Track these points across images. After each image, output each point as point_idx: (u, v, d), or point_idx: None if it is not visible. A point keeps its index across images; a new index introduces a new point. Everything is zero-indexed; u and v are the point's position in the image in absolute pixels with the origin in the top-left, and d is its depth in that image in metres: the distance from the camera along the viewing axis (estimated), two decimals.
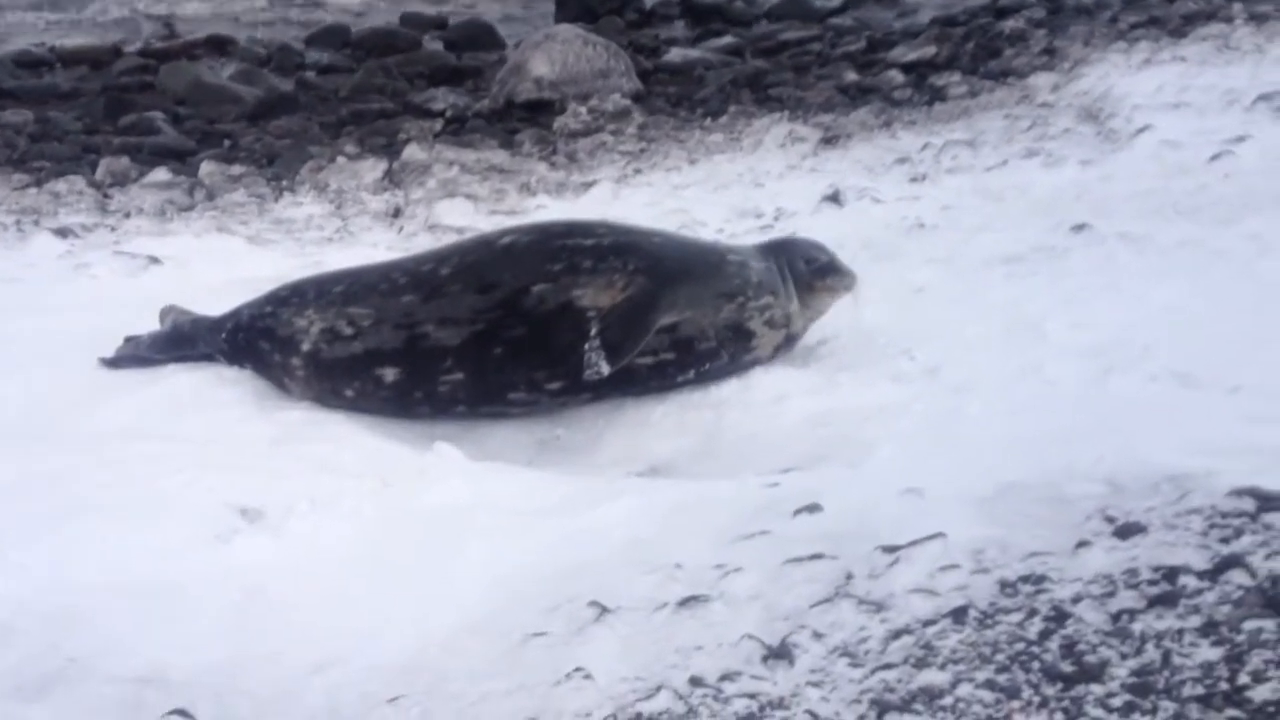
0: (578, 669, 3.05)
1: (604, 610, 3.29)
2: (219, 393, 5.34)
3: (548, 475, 4.63)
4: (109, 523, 4.06)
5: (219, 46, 17.35)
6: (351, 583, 3.71)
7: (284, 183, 9.44)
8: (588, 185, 9.05)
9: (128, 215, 8.56)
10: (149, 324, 5.98)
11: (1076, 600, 3.07)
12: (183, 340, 5.69)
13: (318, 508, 4.16)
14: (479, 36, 17.07)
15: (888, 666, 2.91)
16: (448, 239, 7.87)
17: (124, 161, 9.89)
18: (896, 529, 3.51)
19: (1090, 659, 2.83)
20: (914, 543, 3.35)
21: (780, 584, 3.34)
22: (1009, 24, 13.50)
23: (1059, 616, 3.00)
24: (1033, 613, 3.03)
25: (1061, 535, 3.39)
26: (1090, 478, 3.74)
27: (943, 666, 2.88)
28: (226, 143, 11.48)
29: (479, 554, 3.86)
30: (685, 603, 3.29)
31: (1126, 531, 3.32)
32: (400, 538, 4.00)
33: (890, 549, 3.37)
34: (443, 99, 12.70)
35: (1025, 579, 3.18)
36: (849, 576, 3.30)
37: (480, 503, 4.26)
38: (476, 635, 3.34)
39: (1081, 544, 3.31)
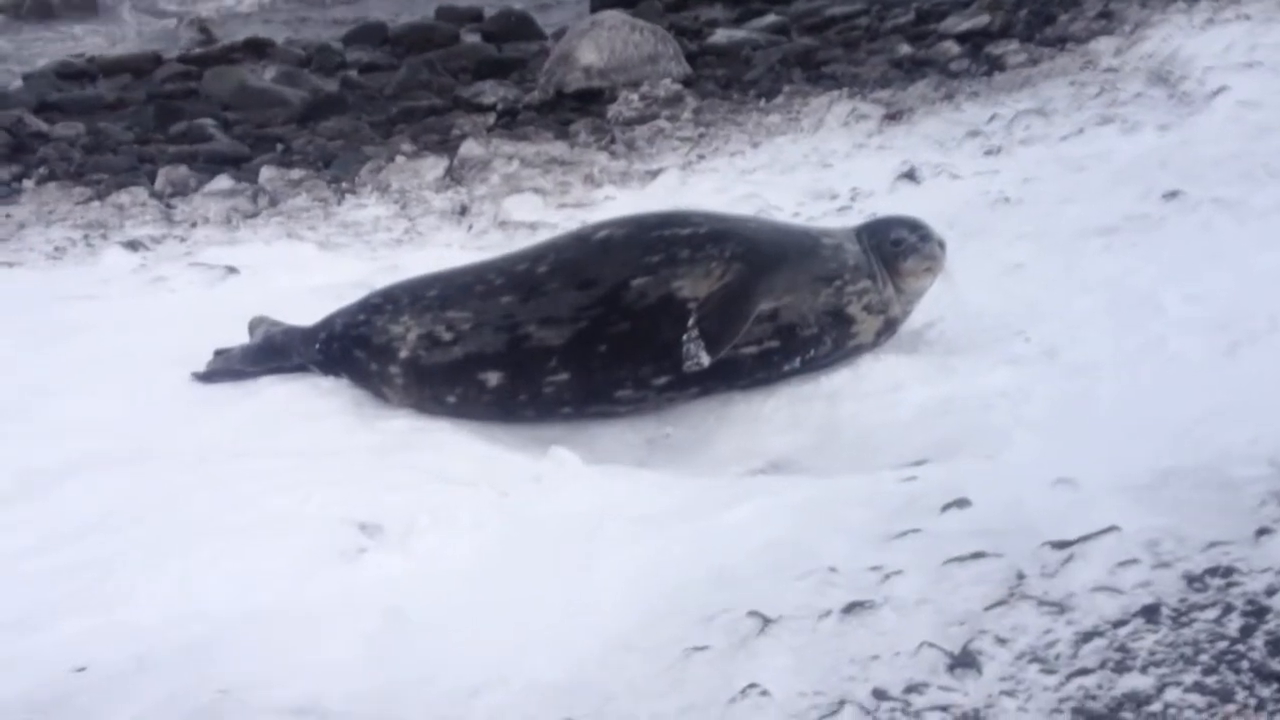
0: (751, 685, 2.92)
1: (766, 620, 3.16)
2: (317, 404, 5.23)
3: (666, 477, 4.51)
4: (230, 546, 3.96)
5: (258, 49, 17.27)
6: (488, 599, 3.59)
7: (345, 185, 9.33)
8: (653, 174, 8.90)
9: (194, 225, 8.47)
10: (235, 336, 5.89)
11: (1271, 592, 2.93)
12: (275, 352, 5.59)
13: (439, 521, 4.05)
14: (517, 27, 16.92)
15: (1084, 672, 2.77)
16: (519, 235, 7.76)
17: (182, 170, 9.80)
18: (1058, 523, 3.37)
19: None
20: (1086, 537, 3.21)
21: (946, 585, 3.20)
22: None
23: (1257, 611, 2.86)
24: (1228, 608, 2.89)
25: (1238, 523, 3.25)
26: (1251, 459, 3.60)
27: (1144, 670, 2.74)
28: (280, 146, 11.37)
29: (613, 563, 3.74)
30: (850, 609, 3.16)
31: None
32: (528, 549, 3.88)
33: (1060, 545, 3.23)
34: (491, 92, 12.57)
35: (1212, 572, 3.04)
36: (1020, 576, 3.16)
37: (604, 509, 4.14)
38: (632, 651, 3.22)
39: (1263, 531, 3.17)
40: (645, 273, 4.99)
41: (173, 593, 3.70)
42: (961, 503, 3.64)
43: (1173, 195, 6.71)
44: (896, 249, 5.40)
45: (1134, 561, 3.11)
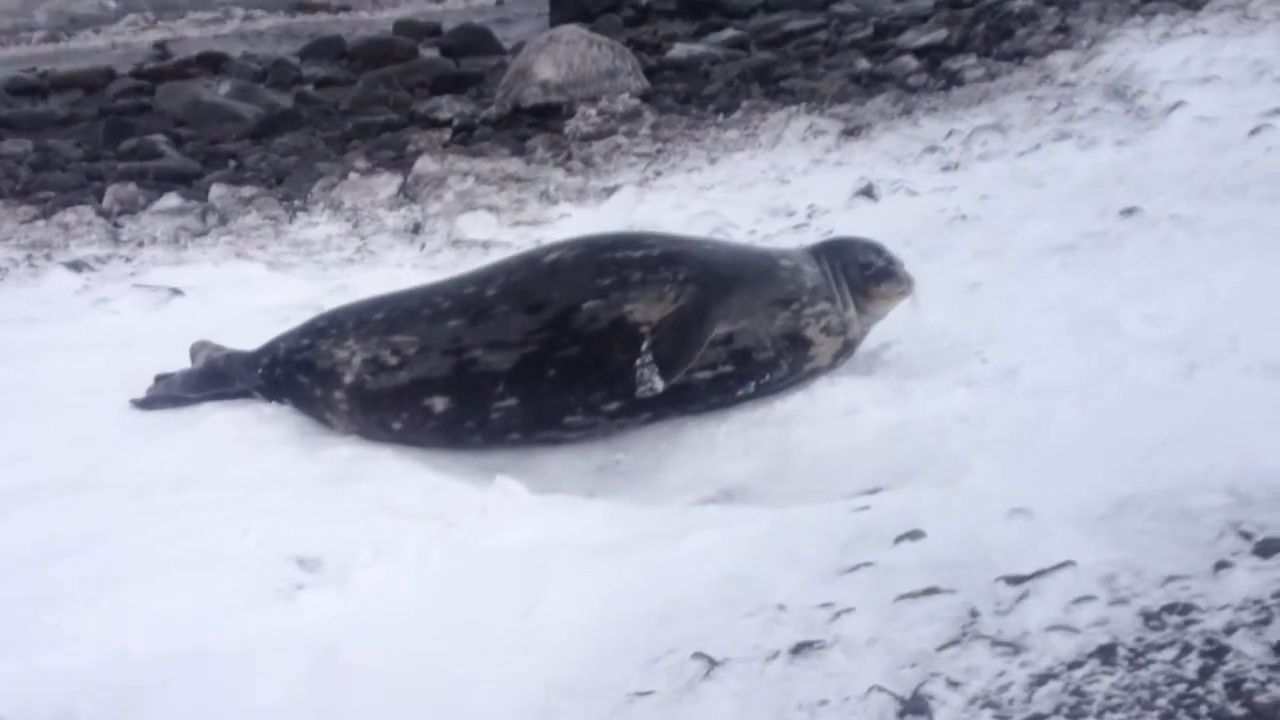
0: None
1: (712, 663, 3.05)
2: (261, 431, 5.10)
3: (615, 506, 4.39)
4: (165, 583, 3.82)
5: (213, 64, 17.13)
6: (427, 639, 3.46)
7: (297, 202, 9.19)
8: (609, 190, 8.80)
9: (141, 244, 8.31)
10: (178, 360, 5.75)
11: (1230, 630, 2.84)
12: (217, 377, 5.45)
13: (381, 555, 3.93)
14: (476, 42, 16.85)
15: (1038, 718, 2.68)
16: (472, 254, 7.65)
17: (131, 188, 9.64)
18: (1013, 556, 3.29)
19: (1261, 699, 2.60)
20: (1041, 573, 3.12)
21: (898, 624, 3.11)
22: (1019, 3, 13.25)
23: (1216, 651, 2.77)
24: (1186, 648, 2.80)
25: (1196, 555, 3.17)
26: (1209, 488, 3.53)
27: (1100, 716, 2.65)
28: (232, 163, 11.23)
29: (560, 598, 3.62)
30: (799, 650, 3.06)
31: (1268, 549, 3.10)
32: (472, 586, 3.76)
33: (1014, 580, 3.14)
34: (448, 107, 12.45)
35: (1169, 609, 2.95)
36: (974, 614, 3.07)
37: (551, 541, 4.02)
38: (574, 696, 3.11)
39: (1221, 565, 3.09)
40: (596, 296, 4.88)
41: (101, 634, 3.55)
42: (915, 534, 3.55)
43: (1130, 212, 6.68)
44: (868, 272, 5.31)
45: (1090, 598, 3.02)
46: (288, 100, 14.04)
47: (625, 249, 5.03)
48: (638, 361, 4.76)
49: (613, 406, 4.89)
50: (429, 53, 16.68)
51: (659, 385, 4.74)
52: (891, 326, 5.46)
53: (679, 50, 14.23)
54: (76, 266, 7.72)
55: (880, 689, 2.84)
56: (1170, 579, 3.07)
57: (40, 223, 8.87)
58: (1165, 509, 3.44)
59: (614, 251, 5.02)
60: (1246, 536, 3.18)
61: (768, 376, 5.06)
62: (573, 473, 4.84)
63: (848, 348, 5.30)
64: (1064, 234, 6.59)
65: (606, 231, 5.64)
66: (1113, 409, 4.37)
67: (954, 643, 2.98)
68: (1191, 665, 2.75)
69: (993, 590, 3.15)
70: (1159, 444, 3.95)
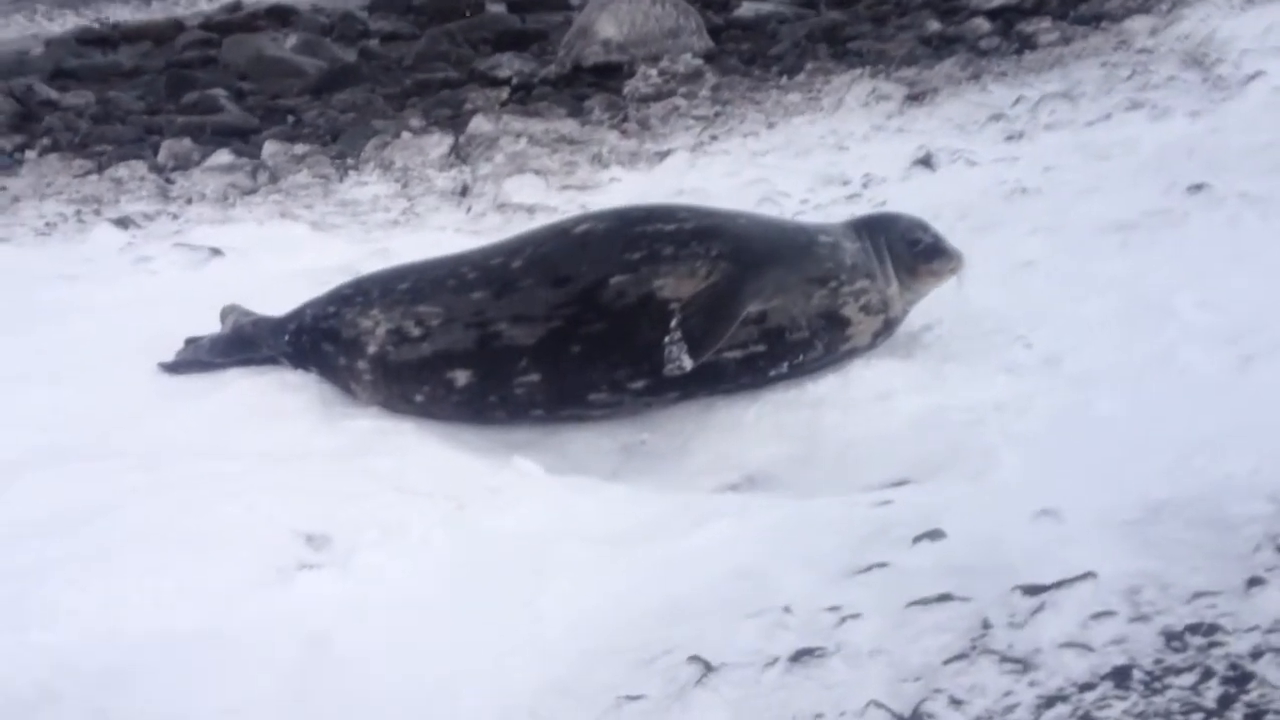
0: None
1: (707, 668, 2.91)
2: (282, 400, 5.02)
3: (633, 491, 4.25)
4: (166, 559, 3.73)
5: (281, 17, 17.11)
6: (423, 630, 3.35)
7: (349, 161, 9.11)
8: (662, 155, 8.62)
9: (189, 201, 8.27)
10: (211, 321, 5.69)
11: (1256, 655, 2.64)
12: (245, 343, 5.38)
13: (388, 536, 3.82)
14: None
15: None
16: (517, 218, 7.52)
17: (186, 143, 9.62)
18: (1035, 562, 3.10)
19: None
20: (1060, 583, 2.94)
21: (905, 633, 2.94)
22: None
23: (1239, 678, 2.58)
24: (1208, 673, 2.61)
25: (1228, 569, 2.96)
26: (1251, 493, 3.31)
27: None
28: (290, 119, 11.18)
29: (562, 590, 3.49)
30: (798, 657, 2.91)
31: None
32: (475, 573, 3.64)
33: (1032, 590, 2.96)
34: (508, 65, 12.31)
35: (1194, 629, 2.76)
36: (986, 625, 2.89)
37: (562, 527, 3.90)
38: (565, 695, 2.98)
39: (1254, 581, 2.88)
40: (625, 270, 4.73)
41: (95, 611, 3.47)
42: (935, 534, 3.37)
43: (1198, 188, 6.39)
44: (916, 249, 5.15)
45: (1110, 614, 2.83)
46: (351, 55, 13.97)
47: (657, 222, 4.87)
48: (666, 339, 4.62)
49: (639, 385, 4.75)
50: (496, 8, 16.52)
51: (687, 364, 4.59)
52: (935, 306, 5.27)
53: (746, 9, 13.95)
54: (123, 223, 7.70)
55: (879, 704, 2.69)
56: (1198, 595, 2.87)
57: (93, 177, 8.88)
58: (1201, 516, 3.23)
59: (646, 225, 4.86)
60: None
61: (801, 357, 4.89)
62: (596, 452, 4.71)
63: (888, 327, 5.12)
64: (1126, 211, 6.32)
65: (640, 204, 5.47)
66: (1157, 402, 4.16)
67: (961, 656, 2.81)
68: (1211, 693, 2.56)
69: (1008, 600, 2.97)
70: (1202, 443, 3.73)
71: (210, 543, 3.85)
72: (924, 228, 5.26)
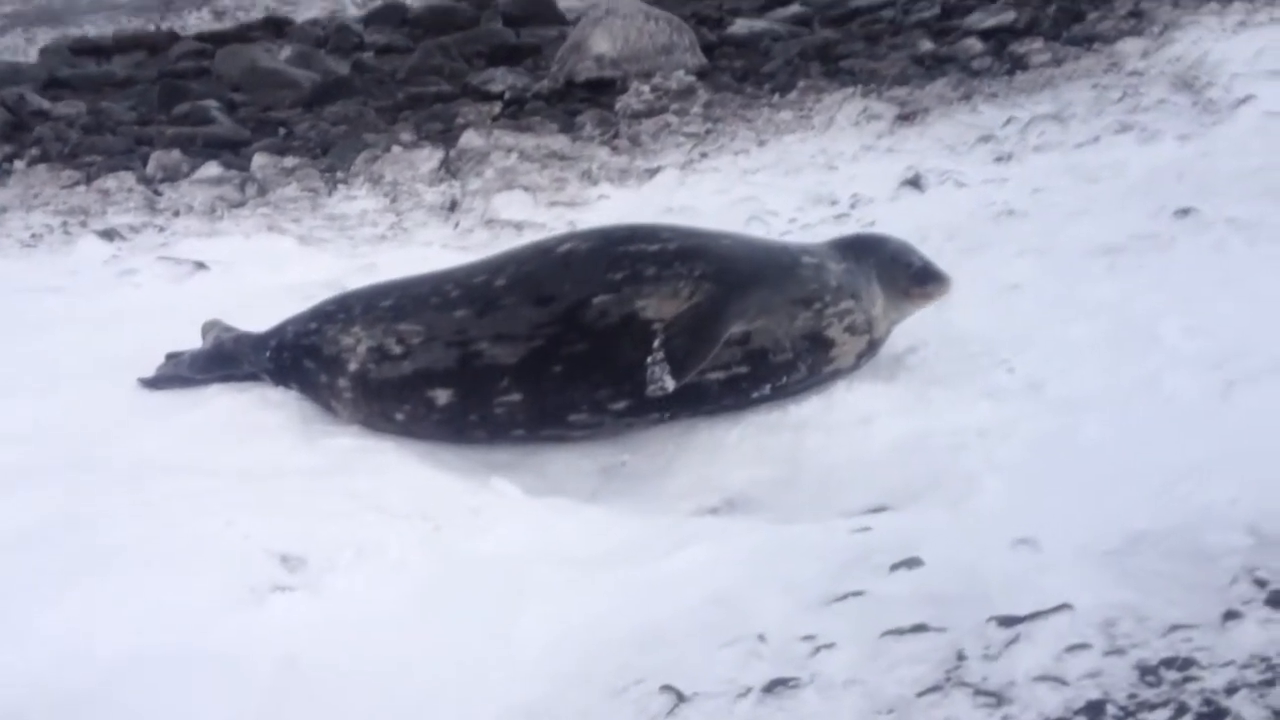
0: None
1: (679, 698, 2.89)
2: (263, 417, 4.99)
3: (611, 513, 4.23)
4: (139, 578, 3.70)
5: (276, 28, 17.07)
6: (395, 653, 3.33)
7: (338, 174, 9.09)
8: (652, 172, 8.60)
9: (177, 214, 8.25)
10: (193, 336, 5.66)
11: (1231, 691, 2.62)
12: (225, 359, 5.35)
13: (363, 557, 3.80)
14: (539, 11, 16.61)
15: None
16: (505, 234, 7.50)
17: (175, 155, 9.59)
18: (1011, 593, 3.08)
19: None
20: (1036, 615, 2.92)
21: (880, 663, 2.92)
22: None
23: (1214, 714, 2.56)
24: (1182, 709, 2.59)
25: (1205, 602, 2.95)
26: (1230, 524, 3.30)
27: None
28: (281, 131, 11.15)
29: (537, 614, 3.47)
30: (771, 688, 2.88)
31: None
32: (450, 595, 3.62)
33: (1007, 621, 2.94)
34: (501, 80, 12.28)
35: (1169, 663, 2.74)
36: (961, 657, 2.87)
37: (540, 550, 3.87)
38: None
39: (1230, 615, 2.87)
40: (608, 290, 4.71)
41: (66, 632, 3.44)
42: (912, 562, 3.35)
43: (1185, 213, 6.37)
44: (909, 271, 5.16)
45: (1085, 646, 2.81)
46: (345, 68, 13.93)
47: (641, 242, 4.85)
48: (649, 359, 4.60)
49: (620, 405, 4.73)
50: (491, 22, 16.49)
51: (670, 385, 4.57)
52: (919, 328, 5.25)
53: (740, 26, 13.93)
54: (109, 235, 7.67)
55: None
56: (1174, 628, 2.86)
57: (81, 188, 8.85)
58: (1180, 547, 3.22)
59: (629, 244, 4.84)
60: (1261, 584, 2.96)
61: (785, 379, 4.87)
62: (576, 473, 4.68)
63: (872, 348, 5.11)
64: (1114, 234, 6.30)
65: (623, 223, 5.45)
66: (1140, 429, 4.14)
67: (935, 689, 2.79)
68: None
69: (983, 631, 2.95)
70: (1184, 471, 3.71)
71: (185, 562, 3.82)
72: (912, 249, 5.26)
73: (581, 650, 3.25)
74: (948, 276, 5.24)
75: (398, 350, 4.84)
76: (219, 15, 18.71)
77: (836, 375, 5.00)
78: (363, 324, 4.96)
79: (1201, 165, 7.32)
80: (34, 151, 10.09)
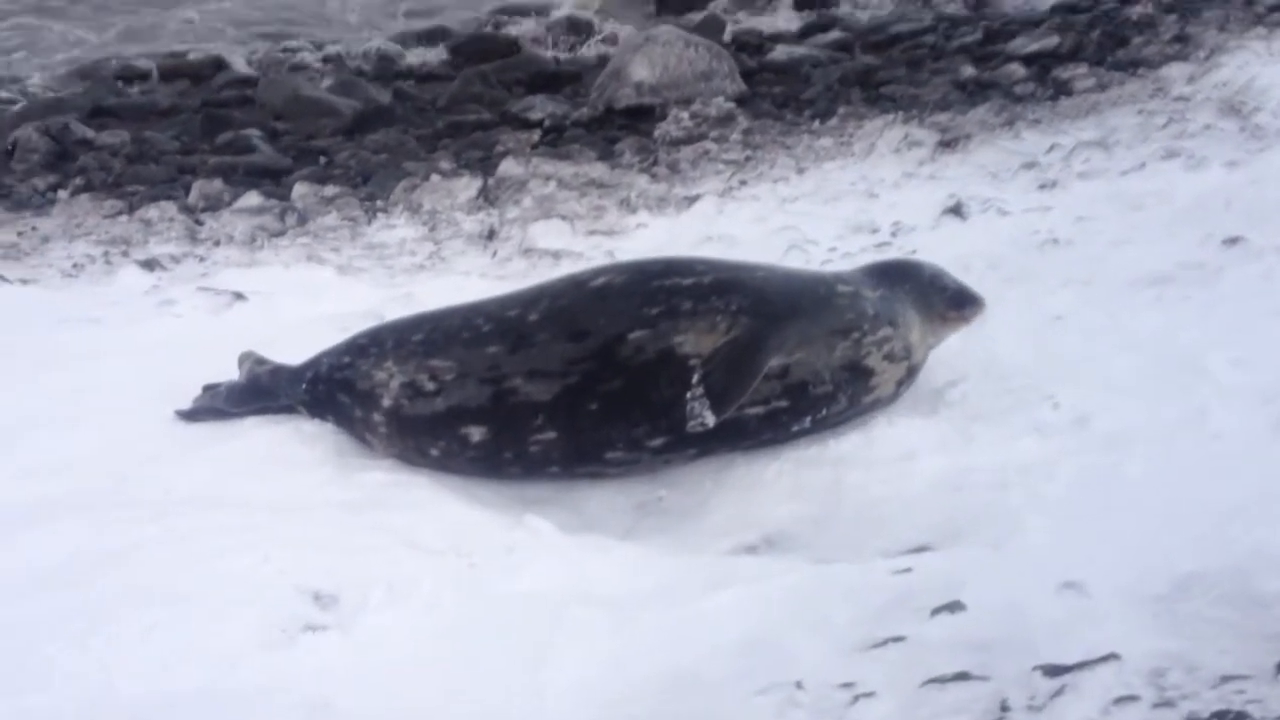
0: None
1: None
2: (298, 451, 4.96)
3: (648, 551, 4.16)
4: (169, 616, 3.67)
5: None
6: (425, 697, 3.28)
7: (378, 203, 9.09)
8: (690, 200, 8.55)
9: (217, 244, 8.27)
10: (231, 368, 5.64)
11: None
12: (261, 392, 5.33)
13: (395, 596, 3.75)
14: (578, 37, 16.65)
15: None
16: (543, 264, 7.47)
17: (217, 184, 9.63)
18: (1057, 640, 3.00)
19: None
20: (1083, 664, 2.83)
21: (921, 713, 2.84)
22: (1136, 9, 12.71)
23: None
24: None
25: (1257, 651, 2.85)
26: None
27: None
28: (322, 159, 11.18)
29: (569, 658, 3.42)
30: None
31: None
32: (482, 636, 3.56)
33: (1053, 671, 2.85)
34: (540, 107, 12.28)
35: (1220, 716, 2.64)
36: (1004, 708, 2.79)
37: (573, 589, 3.81)
38: None
39: None
40: (643, 325, 4.66)
41: (93, 673, 3.41)
42: (954, 606, 3.27)
43: (1234, 241, 6.26)
44: (945, 295, 5.17)
45: (1133, 698, 2.72)
46: (386, 96, 13.98)
47: (676, 276, 4.79)
48: (688, 395, 4.54)
49: (657, 442, 4.67)
50: (533, 49, 16.53)
51: (710, 420, 4.51)
52: (961, 361, 5.18)
53: (779, 52, 13.88)
54: (149, 265, 7.69)
55: None
56: (1225, 679, 2.76)
57: (124, 218, 8.89)
58: (1231, 592, 3.13)
59: (664, 279, 4.78)
60: None
61: (825, 411, 4.80)
62: (612, 510, 4.63)
63: (911, 374, 5.05)
64: (1160, 263, 6.20)
65: (658, 256, 5.40)
66: (1187, 467, 4.05)
67: None
68: None
69: (1029, 680, 2.87)
70: (1232, 511, 3.62)
71: (215, 598, 3.78)
72: (944, 273, 5.26)
73: (613, 693, 3.19)
74: (982, 298, 5.25)
75: (430, 386, 4.80)
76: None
77: (876, 405, 4.93)
78: (395, 359, 4.92)
79: (1250, 192, 7.20)
80: (78, 181, 10.16)
